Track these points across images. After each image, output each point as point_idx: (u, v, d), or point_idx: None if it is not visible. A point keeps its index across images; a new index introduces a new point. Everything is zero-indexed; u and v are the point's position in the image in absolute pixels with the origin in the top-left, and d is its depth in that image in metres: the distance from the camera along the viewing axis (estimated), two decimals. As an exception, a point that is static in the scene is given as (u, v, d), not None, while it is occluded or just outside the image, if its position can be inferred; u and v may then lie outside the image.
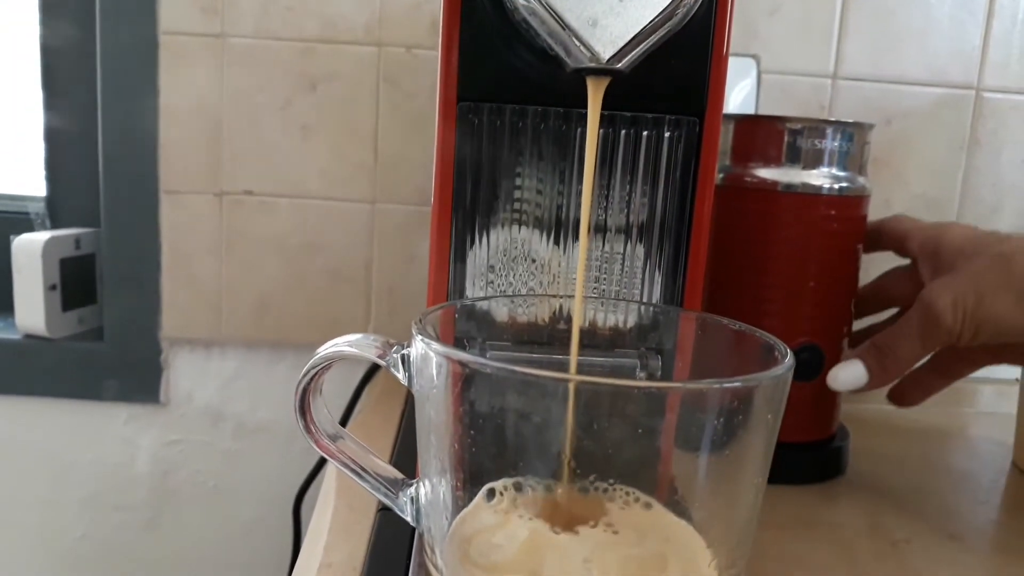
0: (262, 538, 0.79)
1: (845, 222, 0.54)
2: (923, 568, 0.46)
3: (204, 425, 0.77)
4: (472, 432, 0.29)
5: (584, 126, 0.38)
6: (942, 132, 0.73)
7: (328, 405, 0.34)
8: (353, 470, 0.33)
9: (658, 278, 0.40)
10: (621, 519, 0.30)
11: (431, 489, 0.32)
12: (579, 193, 0.39)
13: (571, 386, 0.26)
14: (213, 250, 0.73)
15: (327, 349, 0.32)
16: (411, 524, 0.33)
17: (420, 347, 0.30)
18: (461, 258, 0.40)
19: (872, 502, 0.54)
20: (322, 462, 0.69)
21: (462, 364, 0.28)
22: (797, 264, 0.54)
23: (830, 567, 0.46)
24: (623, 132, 0.38)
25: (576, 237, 0.40)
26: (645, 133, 0.38)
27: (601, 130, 0.38)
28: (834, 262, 0.55)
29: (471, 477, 0.31)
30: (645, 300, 0.40)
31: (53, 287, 0.74)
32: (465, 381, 0.29)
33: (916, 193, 0.73)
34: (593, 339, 0.39)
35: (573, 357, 0.37)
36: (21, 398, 0.77)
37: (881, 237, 0.57)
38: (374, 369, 0.70)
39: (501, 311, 0.38)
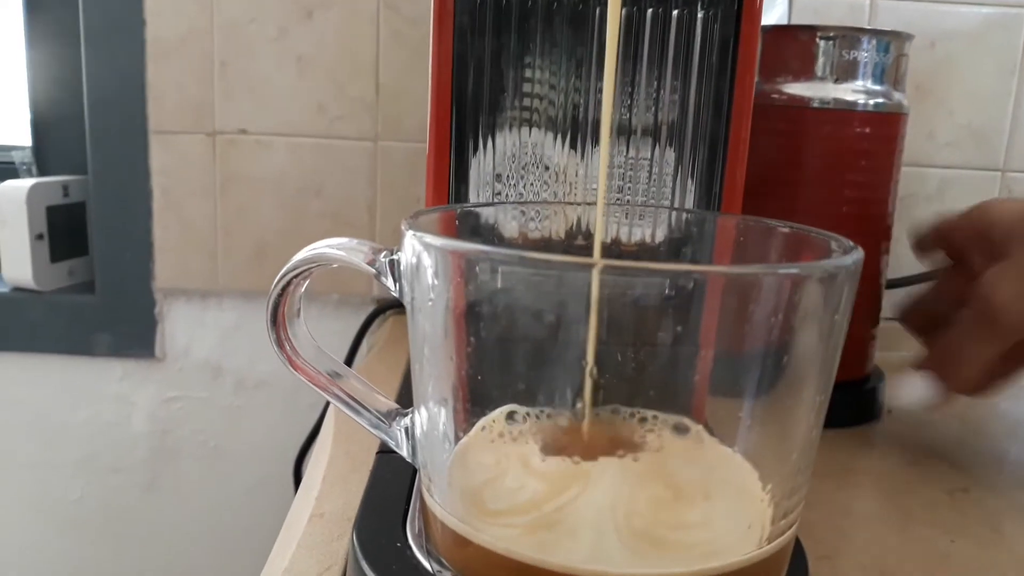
0: (265, 499, 0.75)
1: (881, 141, 0.50)
2: (986, 519, 0.41)
3: (203, 380, 0.73)
4: (473, 341, 0.25)
5: (604, 3, 0.32)
6: (990, 55, 0.67)
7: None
8: (337, 396, 0.28)
9: (691, 186, 0.35)
10: (657, 447, 0.25)
11: (427, 418, 0.27)
12: (599, 88, 0.34)
13: (594, 275, 0.21)
14: (207, 194, 0.68)
15: (308, 251, 0.28)
16: (407, 460, 0.29)
17: (412, 245, 0.25)
18: (463, 165, 0.35)
19: (916, 449, 0.50)
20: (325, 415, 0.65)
21: (463, 257, 0.24)
22: (830, 187, 0.50)
23: (881, 517, 0.41)
24: (649, 12, 0.33)
25: (596, 140, 0.35)
26: (675, 12, 0.33)
27: (624, 10, 0.33)
28: (869, 184, 0.50)
29: (474, 401, 0.26)
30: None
31: (40, 236, 0.70)
32: (467, 279, 0.24)
33: (962, 123, 0.68)
34: (617, 256, 0.34)
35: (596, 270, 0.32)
36: (9, 354, 0.73)
37: (931, 241, 0.49)
38: (376, 313, 0.65)
39: (510, 224, 0.33)
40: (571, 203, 0.34)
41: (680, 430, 0.26)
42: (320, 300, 0.70)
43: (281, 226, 0.68)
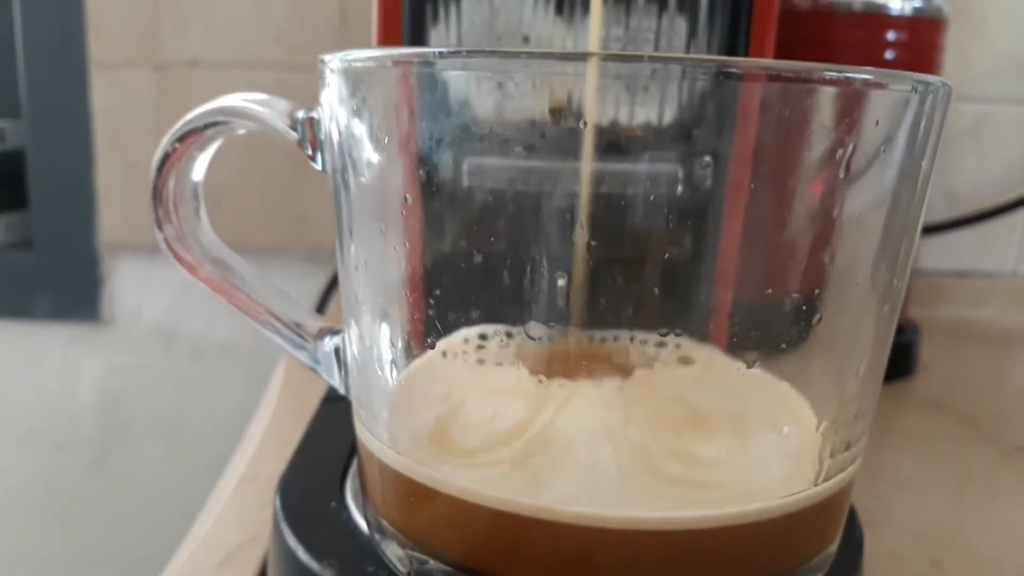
0: (225, 477, 0.68)
1: (919, 51, 0.44)
2: (1056, 480, 0.35)
3: (155, 346, 0.66)
4: (421, 214, 0.18)
5: None
6: (1031, -24, 0.61)
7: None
8: (242, 303, 0.21)
9: (705, 63, 0.28)
10: (674, 361, 0.19)
11: (358, 337, 0.20)
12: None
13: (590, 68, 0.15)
14: (155, 136, 0.61)
15: (210, 105, 0.21)
16: (339, 391, 0.22)
17: (337, 83, 0.18)
18: (419, 39, 0.28)
19: (958, 406, 0.44)
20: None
21: (409, 65, 0.17)
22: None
23: (930, 481, 0.35)
24: None
25: (586, 5, 0.28)
26: None
27: None
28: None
29: (424, 311, 0.19)
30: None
31: (-29, 186, 0.63)
32: (420, 109, 0.17)
33: (1001, 52, 0.61)
34: (616, 142, 0.27)
35: (586, 163, 0.25)
36: (-61, 318, 0.66)
37: None
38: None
39: (484, 101, 0.26)
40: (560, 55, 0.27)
41: (702, 344, 0.19)
42: (285, 257, 0.63)
43: (238, 172, 0.61)
